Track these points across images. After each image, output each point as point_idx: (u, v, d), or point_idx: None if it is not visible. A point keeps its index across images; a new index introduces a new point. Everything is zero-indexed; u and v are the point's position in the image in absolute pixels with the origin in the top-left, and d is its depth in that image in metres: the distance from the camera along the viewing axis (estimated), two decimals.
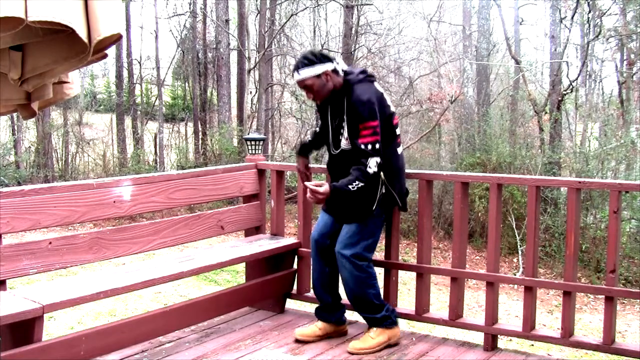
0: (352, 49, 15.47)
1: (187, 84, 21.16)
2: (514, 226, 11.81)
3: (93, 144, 18.42)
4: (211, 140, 16.66)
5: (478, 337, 3.70)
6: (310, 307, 4.21)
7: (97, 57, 2.18)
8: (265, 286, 4.01)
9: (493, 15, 17.14)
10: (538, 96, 15.44)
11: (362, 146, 3.31)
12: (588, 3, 14.18)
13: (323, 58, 3.40)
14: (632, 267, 10.75)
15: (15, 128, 16.30)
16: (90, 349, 3.00)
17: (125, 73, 19.33)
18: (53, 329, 5.78)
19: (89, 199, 3.28)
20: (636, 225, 11.37)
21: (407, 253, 11.52)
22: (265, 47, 15.80)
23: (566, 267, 3.39)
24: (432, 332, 4.92)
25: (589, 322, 8.59)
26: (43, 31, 2.11)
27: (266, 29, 16.07)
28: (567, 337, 3.38)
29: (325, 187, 3.36)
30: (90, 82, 25.03)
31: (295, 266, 4.18)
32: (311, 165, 3.86)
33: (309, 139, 3.85)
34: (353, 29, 15.45)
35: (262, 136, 5.11)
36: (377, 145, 3.31)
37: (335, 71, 3.41)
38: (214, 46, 17.65)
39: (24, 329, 2.76)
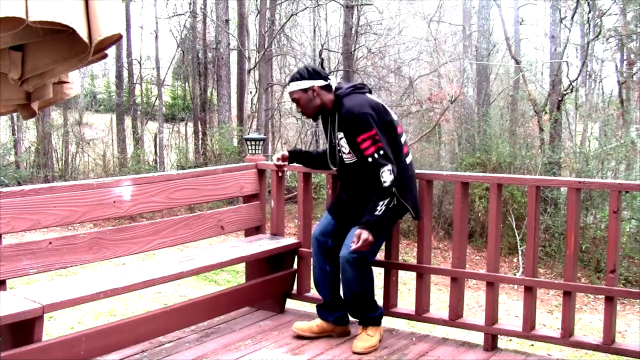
0: (352, 49, 15.47)
1: (187, 84, 21.16)
2: (514, 226, 11.81)
3: (93, 144, 18.42)
4: (211, 140, 16.66)
5: (478, 337, 3.70)
6: (310, 307, 4.22)
7: (97, 57, 2.18)
8: (265, 286, 4.01)
9: (493, 15, 17.16)
10: (538, 96, 15.44)
11: (369, 159, 3.31)
12: (588, 3, 14.18)
13: (314, 74, 3.47)
14: (632, 267, 10.75)
15: (15, 128, 16.31)
16: (90, 349, 3.00)
17: (125, 73, 19.33)
18: (53, 329, 5.78)
19: (89, 199, 3.28)
20: (636, 225, 11.37)
21: (407, 253, 11.52)
22: (265, 47, 15.80)
23: (566, 267, 3.39)
24: (432, 332, 4.92)
25: (589, 322, 8.60)
26: (43, 31, 2.11)
27: (266, 29, 16.07)
28: (567, 337, 3.38)
29: (363, 235, 3.30)
30: (90, 82, 25.03)
31: (295, 266, 4.18)
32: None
33: (309, 150, 3.87)
34: (353, 29, 15.45)
35: (262, 136, 5.11)
36: (382, 152, 3.30)
37: (325, 87, 3.47)
38: (214, 46, 17.66)
39: (24, 329, 2.76)
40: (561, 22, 14.73)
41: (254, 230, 4.32)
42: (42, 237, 5.99)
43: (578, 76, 14.36)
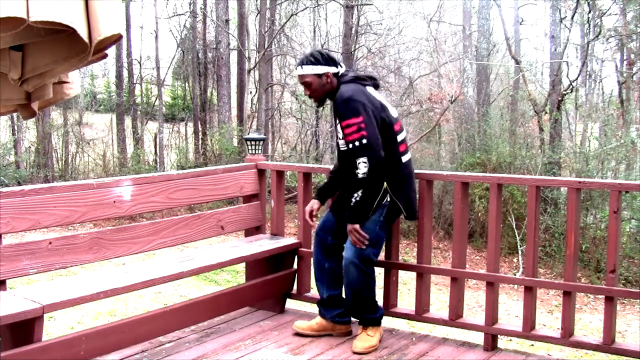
0: (352, 49, 15.46)
1: (187, 84, 21.17)
2: (514, 226, 11.81)
3: (93, 144, 18.43)
4: (211, 140, 16.66)
5: (478, 337, 3.70)
6: (311, 307, 4.22)
7: (97, 57, 2.18)
8: (265, 286, 4.01)
9: (493, 15, 17.16)
10: (538, 96, 15.44)
11: (350, 145, 3.28)
12: (588, 3, 14.18)
13: (330, 60, 3.46)
14: (632, 267, 10.75)
15: (15, 128, 16.31)
16: (90, 349, 3.00)
17: (125, 73, 19.33)
18: (53, 329, 5.78)
19: (89, 199, 3.28)
20: (636, 225, 11.37)
21: (407, 253, 11.52)
22: (265, 47, 15.80)
23: (566, 267, 3.39)
24: (432, 332, 4.92)
25: (589, 322, 8.60)
26: (44, 31, 2.11)
27: (266, 29, 16.07)
28: (567, 337, 3.38)
29: (348, 227, 3.40)
30: (90, 82, 25.03)
31: (295, 266, 4.18)
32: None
33: (326, 182, 3.80)
34: (353, 29, 15.45)
35: (262, 136, 5.12)
36: (365, 141, 3.24)
37: (336, 75, 3.47)
38: (214, 46, 17.65)
39: (24, 329, 2.76)
40: (561, 22, 14.74)
41: (254, 230, 4.32)
42: (42, 237, 5.99)
43: (578, 76, 14.36)
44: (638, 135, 12.73)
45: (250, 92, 17.16)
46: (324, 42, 18.28)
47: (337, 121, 3.40)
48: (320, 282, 3.74)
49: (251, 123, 16.40)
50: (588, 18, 14.63)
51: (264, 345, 3.57)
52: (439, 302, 8.24)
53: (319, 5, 17.83)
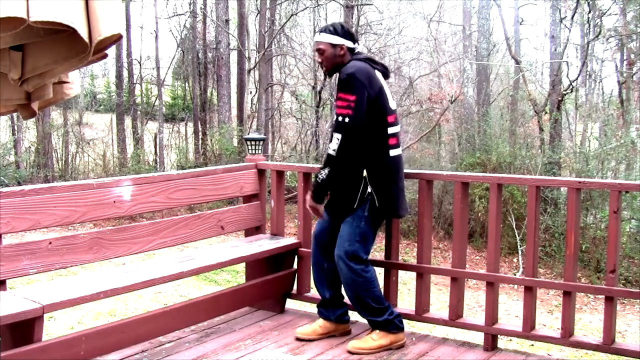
0: None
1: (187, 84, 21.17)
2: (514, 226, 11.82)
3: (93, 144, 18.43)
4: (211, 140, 16.67)
5: (478, 337, 3.70)
6: (310, 307, 4.22)
7: (97, 57, 2.18)
8: (265, 286, 4.00)
9: (493, 15, 17.16)
10: (538, 96, 15.45)
11: (335, 117, 3.34)
12: (588, 3, 14.19)
13: (347, 34, 3.50)
14: (632, 267, 10.75)
15: (15, 128, 16.31)
16: (90, 349, 3.00)
17: (125, 73, 19.33)
18: (53, 329, 5.78)
19: (89, 199, 3.28)
20: (636, 225, 11.37)
21: (407, 253, 11.52)
22: (265, 47, 15.80)
23: (566, 267, 3.39)
24: (432, 332, 4.92)
25: (589, 322, 8.60)
26: (44, 31, 2.11)
27: (266, 29, 16.08)
28: (567, 337, 3.38)
29: (308, 202, 3.56)
30: (90, 82, 25.04)
31: (295, 266, 4.18)
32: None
33: None
34: (353, 29, 15.43)
35: (262, 136, 5.12)
36: (347, 120, 3.26)
37: (351, 50, 3.49)
38: (214, 46, 17.66)
39: (24, 329, 2.76)
40: (561, 22, 14.74)
41: (254, 230, 4.32)
42: (42, 237, 5.99)
43: (578, 76, 14.37)
44: (638, 135, 12.73)
45: (250, 92, 17.16)
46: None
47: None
48: (321, 284, 3.72)
49: (251, 123, 16.41)
50: (588, 18, 14.63)
51: (264, 345, 3.57)
52: (439, 302, 8.24)
53: (319, 5, 17.83)
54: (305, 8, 18.16)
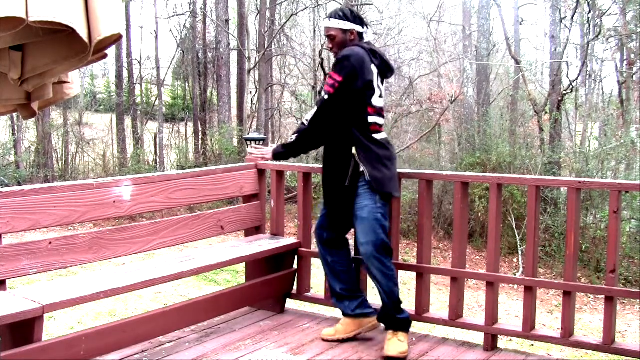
0: None
1: (187, 84, 21.17)
2: (514, 226, 11.82)
3: (93, 144, 18.44)
4: (211, 140, 16.67)
5: (478, 337, 3.69)
6: (311, 307, 4.22)
7: (97, 57, 2.18)
8: (265, 286, 4.00)
9: (493, 15, 17.17)
10: (538, 96, 15.45)
11: (321, 92, 3.40)
12: (588, 3, 14.19)
13: (357, 19, 3.53)
14: (632, 267, 10.75)
15: (15, 128, 16.31)
16: (90, 349, 3.00)
17: (125, 73, 19.34)
18: (53, 329, 5.79)
19: (89, 199, 3.28)
20: (636, 225, 11.38)
21: (407, 253, 11.53)
22: (265, 47, 15.80)
23: (566, 267, 3.39)
24: (432, 332, 4.92)
25: (589, 322, 8.60)
26: (43, 31, 2.11)
27: (266, 29, 16.08)
28: (567, 337, 3.38)
29: (266, 149, 3.85)
30: (90, 82, 25.05)
31: (295, 266, 4.18)
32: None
33: None
34: None
35: (262, 136, 5.12)
36: (326, 97, 3.36)
37: (360, 36, 3.52)
38: (214, 46, 17.66)
39: (24, 329, 2.76)
40: (561, 22, 14.74)
41: (254, 230, 4.32)
42: (42, 237, 5.99)
43: (578, 76, 14.37)
44: (638, 135, 12.73)
45: (250, 92, 17.16)
46: (324, 42, 18.22)
47: None
48: (329, 277, 3.70)
49: (251, 123, 16.41)
50: (588, 18, 14.64)
51: (264, 345, 3.57)
52: (439, 302, 8.24)
53: (319, 5, 17.82)
54: (305, 8, 18.16)
